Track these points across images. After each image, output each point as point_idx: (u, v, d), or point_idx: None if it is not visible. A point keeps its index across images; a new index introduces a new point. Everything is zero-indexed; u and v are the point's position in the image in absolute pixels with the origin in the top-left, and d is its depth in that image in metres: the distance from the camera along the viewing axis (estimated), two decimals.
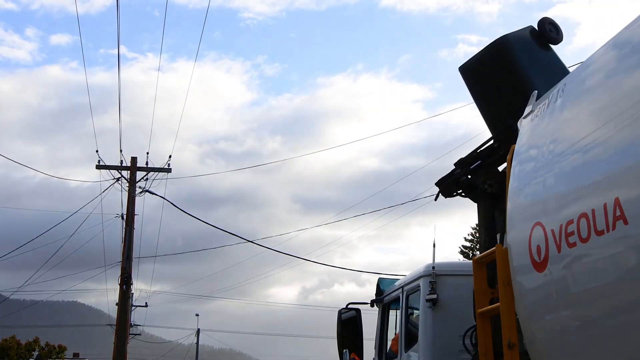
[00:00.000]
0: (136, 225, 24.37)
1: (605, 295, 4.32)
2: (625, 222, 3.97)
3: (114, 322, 25.27)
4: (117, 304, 24.71)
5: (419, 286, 7.82)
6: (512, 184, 5.51)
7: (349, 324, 9.12)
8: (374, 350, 9.26)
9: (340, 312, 9.18)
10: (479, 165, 6.64)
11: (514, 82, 6.19)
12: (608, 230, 4.10)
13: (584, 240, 4.33)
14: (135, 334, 44.04)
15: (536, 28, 6.46)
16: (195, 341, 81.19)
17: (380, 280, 9.54)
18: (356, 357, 9.06)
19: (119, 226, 25.23)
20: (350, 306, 9.34)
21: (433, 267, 7.69)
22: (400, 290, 8.51)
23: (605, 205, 4.11)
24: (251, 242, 28.00)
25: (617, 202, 4.02)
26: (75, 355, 55.21)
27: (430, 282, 7.60)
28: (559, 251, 4.60)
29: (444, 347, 7.31)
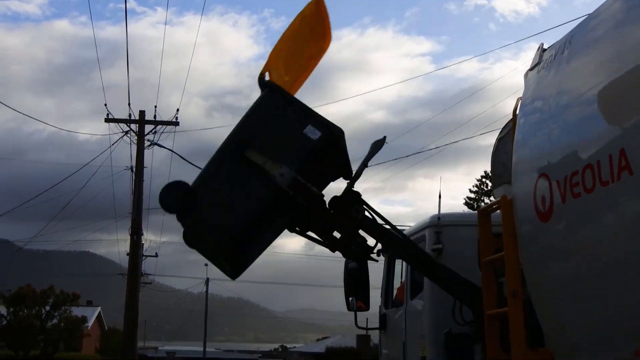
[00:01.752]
0: (145, 177, 24.54)
1: (609, 245, 4.37)
2: (631, 173, 4.00)
3: (125, 272, 25.57)
4: (128, 254, 25.00)
5: (425, 236, 7.90)
6: (517, 136, 5.53)
7: (355, 273, 9.21)
8: (380, 299, 9.40)
9: (347, 262, 9.27)
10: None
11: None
12: (613, 181, 4.13)
13: (589, 191, 4.37)
14: (146, 283, 44.64)
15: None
16: (204, 290, 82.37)
17: None
18: (362, 305, 9.19)
19: (129, 178, 25.41)
20: None
21: (438, 218, 7.75)
22: None
23: (610, 157, 4.14)
24: None
25: (622, 153, 4.05)
26: (89, 303, 56.08)
27: (435, 232, 7.66)
28: (564, 202, 4.64)
29: (448, 296, 7.42)
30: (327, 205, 6.79)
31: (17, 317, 29.02)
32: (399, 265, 9.03)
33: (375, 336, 10.30)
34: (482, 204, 37.99)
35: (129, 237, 24.25)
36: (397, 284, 9.11)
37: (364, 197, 6.88)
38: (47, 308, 29.75)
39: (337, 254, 7.19)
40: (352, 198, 6.87)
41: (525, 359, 5.43)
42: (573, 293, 4.82)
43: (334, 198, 6.83)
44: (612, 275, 4.39)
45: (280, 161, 6.27)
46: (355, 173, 7.01)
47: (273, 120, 6.44)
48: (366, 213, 6.91)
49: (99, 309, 56.03)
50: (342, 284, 9.28)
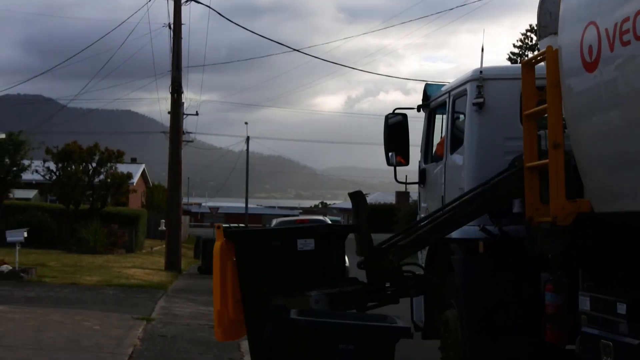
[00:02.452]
0: (183, 34, 24.31)
1: None
2: None
3: (167, 130, 25.90)
4: (169, 112, 25.21)
5: (466, 90, 7.81)
6: None
7: (395, 129, 9.20)
8: (419, 154, 9.46)
9: (387, 117, 9.25)
10: None
11: None
12: None
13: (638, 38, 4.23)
14: (188, 141, 45.35)
15: None
16: (245, 148, 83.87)
17: (427, 86, 9.50)
18: (402, 160, 9.26)
19: (167, 37, 25.16)
20: (397, 111, 9.39)
21: (480, 71, 7.63)
22: (447, 95, 8.51)
23: None
24: (297, 50, 27.88)
25: None
26: (133, 160, 57.40)
27: (477, 86, 7.56)
28: (612, 51, 4.53)
29: (488, 150, 7.43)
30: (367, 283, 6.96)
31: (65, 172, 29.90)
32: (439, 121, 9.00)
33: (414, 193, 10.47)
34: (526, 58, 37.07)
35: (170, 95, 24.40)
36: (436, 139, 9.12)
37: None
38: (94, 164, 30.49)
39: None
40: (378, 257, 6.98)
41: (563, 207, 5.49)
42: (616, 144, 4.79)
43: (363, 265, 6.95)
44: None
45: (304, 290, 6.34)
46: (364, 232, 7.00)
47: (265, 261, 6.37)
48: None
49: (143, 165, 57.25)
50: (383, 140, 9.33)
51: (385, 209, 68.00)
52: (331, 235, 6.43)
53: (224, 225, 6.63)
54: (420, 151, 9.46)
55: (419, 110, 9.53)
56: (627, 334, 4.57)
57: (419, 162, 9.44)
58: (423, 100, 9.35)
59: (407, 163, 9.35)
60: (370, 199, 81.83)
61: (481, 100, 7.49)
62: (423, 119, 9.50)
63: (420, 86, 9.64)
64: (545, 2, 6.93)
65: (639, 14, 4.21)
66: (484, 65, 7.83)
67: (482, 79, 7.55)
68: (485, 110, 7.51)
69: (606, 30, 4.58)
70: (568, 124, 5.44)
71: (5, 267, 16.50)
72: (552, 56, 5.55)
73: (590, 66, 4.82)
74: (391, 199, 73.96)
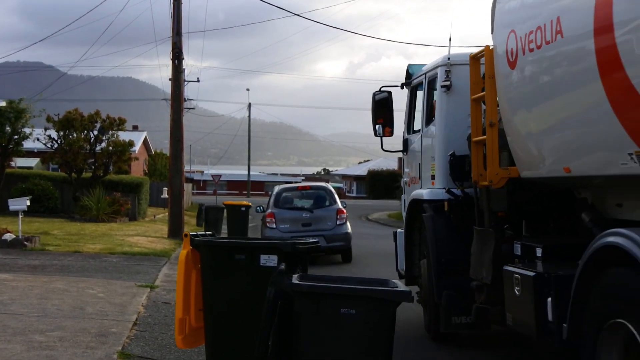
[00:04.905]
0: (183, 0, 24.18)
1: (552, 91, 5.47)
2: (562, 36, 5.06)
3: (168, 97, 25.85)
4: (170, 79, 25.20)
5: (437, 74, 8.89)
6: None
7: (381, 104, 10.34)
8: (403, 125, 10.56)
9: (374, 94, 10.40)
10: None
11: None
12: (553, 40, 5.19)
13: (538, 47, 5.44)
14: (190, 108, 45.52)
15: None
16: (247, 115, 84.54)
17: (409, 66, 10.61)
18: (388, 131, 10.41)
19: (167, 1, 25.02)
20: (383, 89, 10.47)
21: (448, 58, 8.74)
22: (423, 76, 9.61)
23: (551, 22, 5.19)
24: (297, 15, 27.86)
25: (558, 20, 5.08)
26: (135, 127, 57.67)
27: (445, 70, 8.71)
28: (524, 54, 5.74)
29: (455, 123, 8.57)
30: None
31: (67, 140, 29.25)
32: (420, 97, 10.06)
33: None
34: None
35: (170, 61, 24.41)
36: (417, 113, 10.22)
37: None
38: (95, 132, 30.30)
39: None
40: None
41: (497, 173, 6.81)
42: (531, 125, 6.00)
43: None
44: (551, 113, 5.55)
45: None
46: None
47: (227, 273, 6.22)
48: None
49: (145, 133, 57.42)
50: (371, 114, 10.45)
51: (388, 174, 69.18)
52: (294, 254, 6.24)
53: (191, 233, 6.78)
54: (404, 123, 10.56)
55: (402, 88, 10.67)
56: (542, 270, 5.70)
57: (403, 132, 10.56)
58: (406, 78, 10.54)
59: (392, 134, 10.47)
60: (372, 165, 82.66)
61: (448, 83, 8.70)
62: (406, 95, 10.59)
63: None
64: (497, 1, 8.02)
65: (538, 29, 5.38)
66: (452, 52, 8.97)
67: (449, 65, 8.73)
68: (452, 91, 8.71)
69: (520, 37, 5.75)
70: (500, 108, 6.66)
71: (9, 236, 16.50)
72: (489, 53, 6.79)
73: (512, 64, 6.01)
74: (393, 164, 74.89)
